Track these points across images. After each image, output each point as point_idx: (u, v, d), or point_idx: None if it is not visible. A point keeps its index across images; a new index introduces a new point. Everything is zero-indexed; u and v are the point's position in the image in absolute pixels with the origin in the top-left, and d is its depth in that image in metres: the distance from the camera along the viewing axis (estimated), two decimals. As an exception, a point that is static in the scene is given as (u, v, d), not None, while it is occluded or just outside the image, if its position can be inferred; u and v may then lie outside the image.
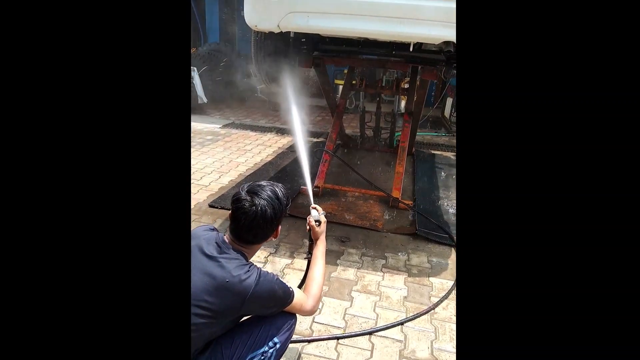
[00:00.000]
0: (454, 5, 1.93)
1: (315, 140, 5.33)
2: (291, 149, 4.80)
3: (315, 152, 4.26)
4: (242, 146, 4.77)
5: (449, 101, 6.68)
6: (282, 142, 5.09)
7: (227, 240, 1.24)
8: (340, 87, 5.78)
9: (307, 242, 1.54)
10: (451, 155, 5.07)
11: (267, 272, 1.20)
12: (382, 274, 2.35)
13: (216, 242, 1.20)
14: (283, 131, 5.51)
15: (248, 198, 1.21)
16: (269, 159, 4.37)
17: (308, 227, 1.52)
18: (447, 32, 2.06)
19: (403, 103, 4.89)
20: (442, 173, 4.28)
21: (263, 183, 1.26)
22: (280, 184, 1.29)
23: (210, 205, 3.11)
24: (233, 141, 4.93)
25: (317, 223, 1.50)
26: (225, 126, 5.65)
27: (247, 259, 1.22)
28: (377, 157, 4.62)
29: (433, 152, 5.13)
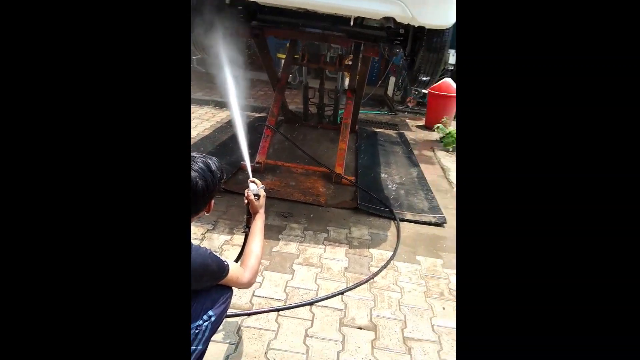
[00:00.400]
0: None
1: (257, 115, 5.17)
2: (230, 124, 4.59)
3: (257, 127, 4.13)
4: (178, 120, 4.47)
5: (392, 80, 6.82)
6: (221, 115, 4.86)
7: None
8: (283, 61, 5.63)
9: (246, 217, 1.47)
10: (393, 133, 5.21)
11: (200, 246, 1.13)
12: (323, 247, 2.36)
13: None
14: (221, 105, 5.25)
15: None
16: (206, 133, 4.15)
17: (246, 201, 1.45)
18: (386, 7, 2.04)
19: (347, 80, 4.90)
20: (384, 150, 4.38)
21: (194, 154, 1.16)
22: (214, 157, 1.20)
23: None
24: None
25: (255, 197, 1.44)
26: (159, 99, 5.24)
27: None
28: (321, 133, 4.60)
29: (376, 129, 5.23)
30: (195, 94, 5.36)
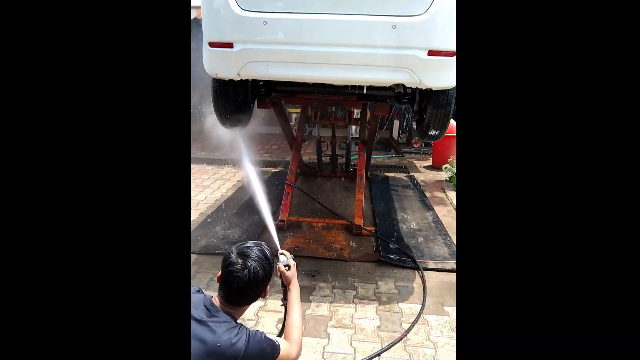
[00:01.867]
0: (403, 52, 2.14)
1: (273, 170, 5.40)
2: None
3: (277, 185, 4.33)
4: (201, 182, 4.70)
5: (396, 123, 7.09)
6: (241, 174, 5.09)
7: (215, 303, 1.26)
8: (294, 115, 5.94)
9: (282, 289, 1.58)
10: (403, 176, 5.37)
11: (255, 331, 1.24)
12: (354, 305, 2.44)
13: (204, 306, 1.22)
14: (240, 163, 5.50)
15: (240, 261, 1.23)
16: (229, 194, 4.36)
17: (279, 274, 1.56)
18: (396, 75, 2.27)
19: (353, 128, 5.16)
20: (397, 195, 4.53)
21: (249, 244, 1.29)
22: (263, 242, 1.34)
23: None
24: (191, 177, 4.84)
25: (286, 267, 1.54)
26: (179, 161, 5.53)
27: (235, 320, 1.25)
28: (336, 182, 4.79)
29: (387, 174, 5.41)
30: (214, 155, 5.65)
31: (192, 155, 5.73)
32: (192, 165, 5.34)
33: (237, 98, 2.86)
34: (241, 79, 2.44)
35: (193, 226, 3.51)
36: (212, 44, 2.33)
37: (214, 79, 2.60)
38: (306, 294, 2.54)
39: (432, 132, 2.80)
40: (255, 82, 2.84)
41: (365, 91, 2.66)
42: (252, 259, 1.24)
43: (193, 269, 2.84)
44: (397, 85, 2.46)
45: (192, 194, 4.29)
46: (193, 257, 3.00)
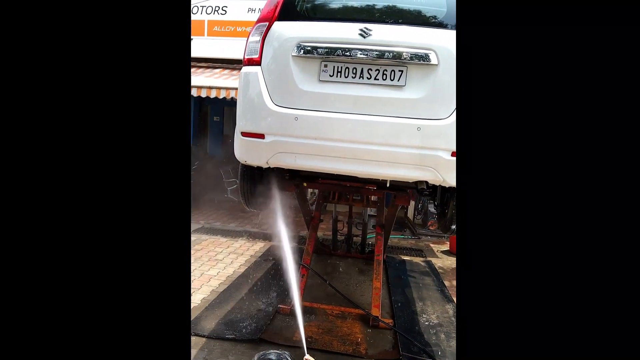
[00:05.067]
0: (427, 152, 2.22)
1: (287, 246, 5.34)
2: (263, 258, 4.74)
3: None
4: (214, 255, 4.66)
5: (412, 203, 7.10)
6: (254, 248, 5.05)
7: None
8: (309, 190, 6.04)
9: None
10: (420, 261, 5.23)
11: None
12: (372, 414, 2.22)
13: None
14: (255, 236, 5.49)
15: None
16: (242, 270, 4.28)
17: None
18: (420, 173, 2.32)
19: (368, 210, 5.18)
20: (415, 283, 4.37)
21: (271, 356, 1.25)
22: (287, 353, 1.28)
23: (183, 333, 2.91)
24: (204, 249, 4.81)
25: None
26: (195, 231, 5.54)
27: None
28: (350, 263, 4.67)
29: (403, 257, 5.28)
30: (228, 225, 5.67)
31: (207, 225, 5.77)
32: (206, 236, 5.33)
33: (262, 182, 2.95)
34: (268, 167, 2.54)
35: (204, 305, 3.39)
36: (244, 134, 2.47)
37: (242, 164, 2.71)
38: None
39: (454, 227, 2.79)
40: (279, 168, 2.95)
41: (388, 184, 2.71)
42: None
43: (201, 355, 2.68)
44: (420, 182, 2.51)
45: (205, 268, 4.22)
46: (202, 340, 2.85)
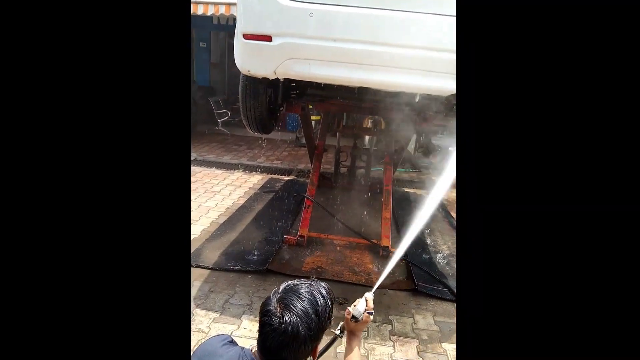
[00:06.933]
0: None
1: (286, 178, 5.09)
2: (263, 189, 4.50)
3: (295, 197, 4.03)
4: (210, 187, 4.39)
5: (413, 137, 6.82)
6: (252, 180, 4.79)
7: (255, 358, 0.95)
8: (314, 122, 5.66)
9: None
10: (424, 193, 5.07)
11: None
12: (391, 343, 2.13)
13: None
14: (250, 168, 5.21)
15: (278, 311, 0.91)
16: (242, 201, 4.04)
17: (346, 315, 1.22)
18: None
19: (367, 138, 4.88)
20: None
21: (302, 289, 0.96)
22: (323, 284, 1.01)
23: (184, 264, 2.73)
24: (199, 181, 4.53)
25: (353, 319, 1.21)
26: (187, 163, 5.22)
27: None
28: (353, 196, 4.47)
29: (406, 190, 5.12)
30: (223, 158, 5.36)
31: (200, 158, 5.43)
32: (200, 169, 5.02)
33: (266, 100, 2.56)
34: (275, 79, 2.15)
35: (204, 236, 3.19)
36: (247, 36, 2.04)
37: (244, 76, 2.30)
38: (336, 326, 2.22)
39: None
40: (286, 84, 2.55)
41: (417, 100, 2.36)
42: (293, 312, 0.89)
43: (206, 287, 2.52)
44: (454, 95, 2.17)
45: (202, 200, 3.97)
46: (205, 272, 2.68)
